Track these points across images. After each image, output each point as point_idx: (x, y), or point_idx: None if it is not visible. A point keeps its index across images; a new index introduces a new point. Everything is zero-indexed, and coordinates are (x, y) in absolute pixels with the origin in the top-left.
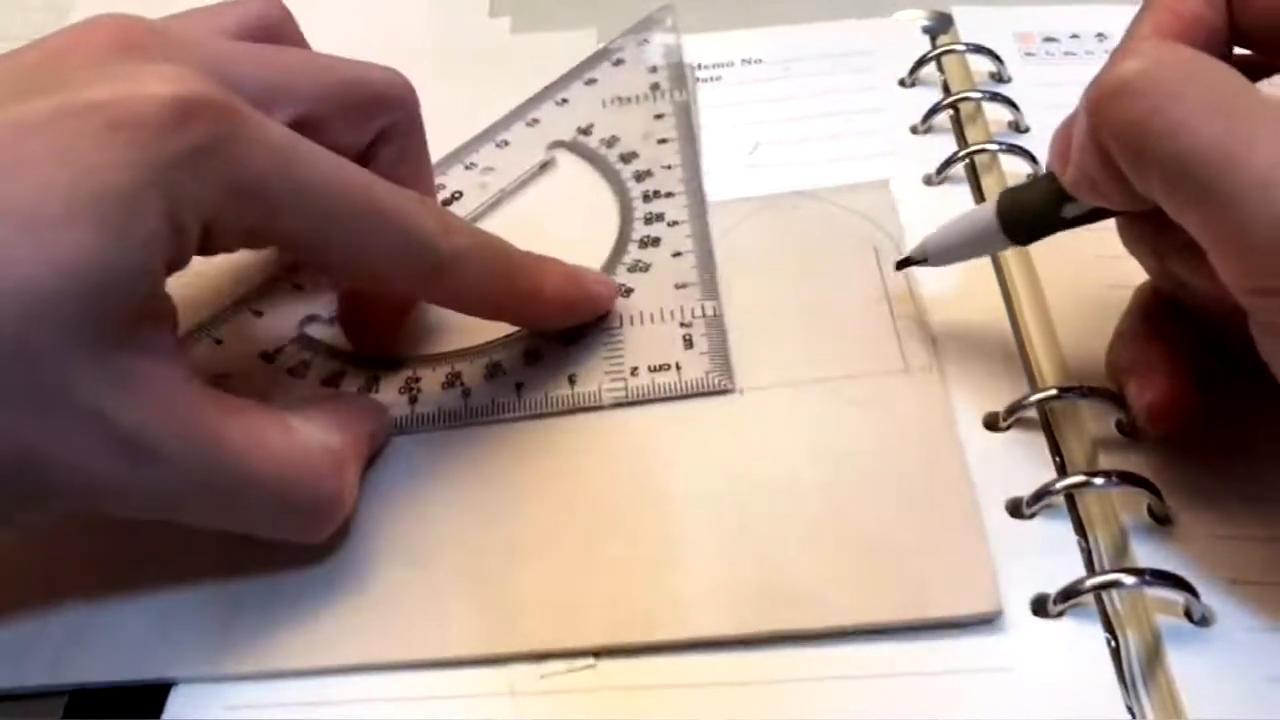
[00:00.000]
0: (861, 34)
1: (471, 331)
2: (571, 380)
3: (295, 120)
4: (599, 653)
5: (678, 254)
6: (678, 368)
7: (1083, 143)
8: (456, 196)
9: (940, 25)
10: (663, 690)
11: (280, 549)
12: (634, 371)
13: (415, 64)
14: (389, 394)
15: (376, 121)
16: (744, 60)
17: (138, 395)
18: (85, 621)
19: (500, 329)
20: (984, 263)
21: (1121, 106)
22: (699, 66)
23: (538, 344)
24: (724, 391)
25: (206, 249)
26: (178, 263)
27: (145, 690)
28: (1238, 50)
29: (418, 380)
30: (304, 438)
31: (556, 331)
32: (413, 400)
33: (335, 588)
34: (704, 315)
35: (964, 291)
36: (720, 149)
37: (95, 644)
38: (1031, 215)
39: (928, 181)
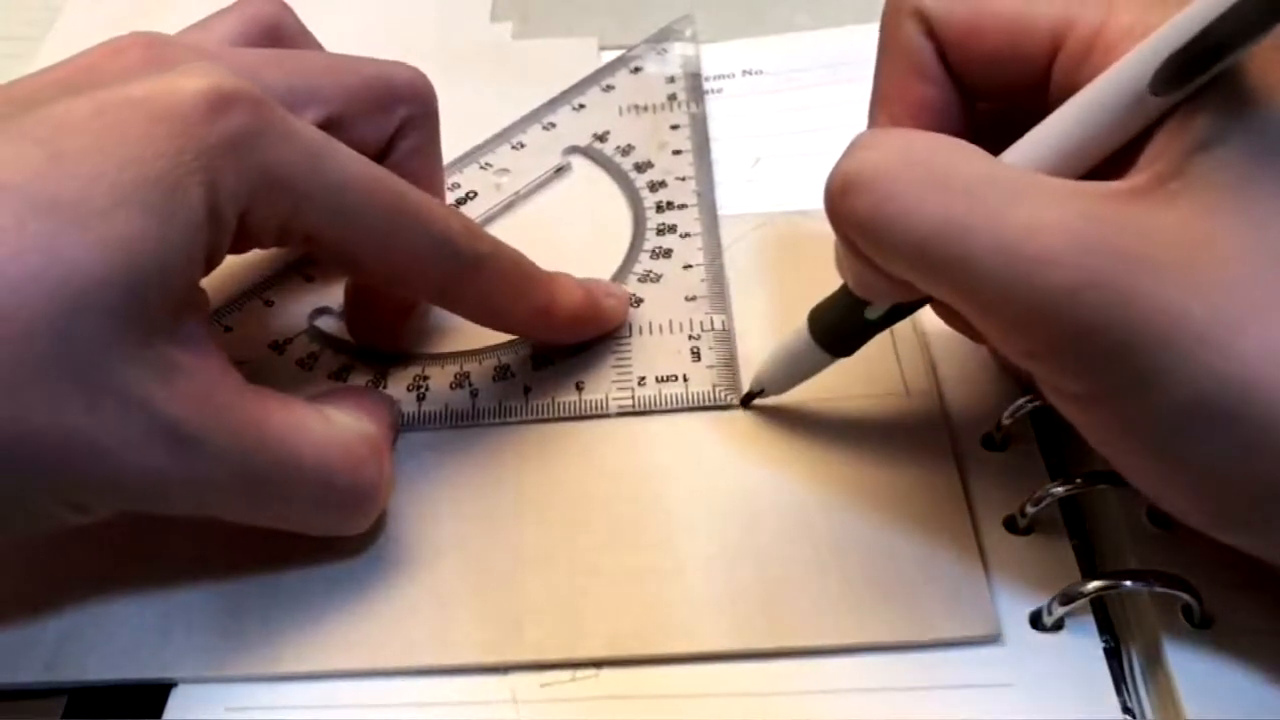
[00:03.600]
0: (862, 40)
1: (481, 333)
2: (579, 387)
3: (321, 122)
4: (601, 663)
5: (688, 266)
6: (685, 380)
7: (838, 243)
8: (471, 196)
9: None
10: (665, 700)
11: (282, 550)
12: (641, 381)
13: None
14: (397, 390)
15: (397, 115)
16: (745, 71)
17: (181, 386)
18: (85, 619)
19: (501, 335)
20: None
21: (851, 203)
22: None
23: (547, 349)
24: (730, 406)
25: (240, 245)
26: (215, 256)
27: (145, 690)
28: None
29: (426, 379)
30: (342, 426)
31: (565, 345)
32: (420, 398)
33: (339, 590)
34: (713, 329)
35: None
36: (722, 163)
37: (95, 642)
38: (839, 327)
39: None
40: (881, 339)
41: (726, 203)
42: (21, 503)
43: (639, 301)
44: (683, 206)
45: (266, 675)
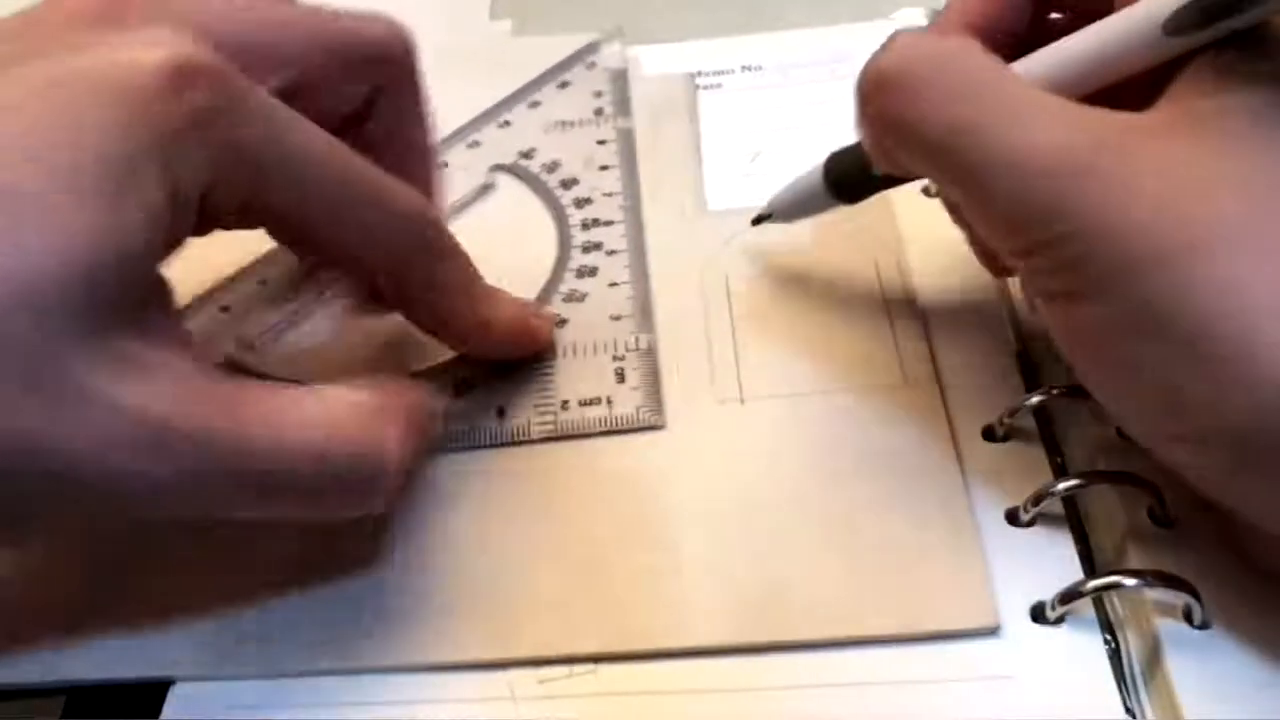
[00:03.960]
0: (861, 38)
1: (401, 359)
2: (500, 413)
3: (289, 83)
4: (599, 659)
5: (614, 284)
6: (609, 402)
7: (860, 126)
8: None
9: None
10: (663, 696)
11: (281, 549)
12: (565, 405)
13: None
14: None
15: (370, 79)
16: (744, 67)
17: (152, 381)
18: (83, 618)
19: (431, 357)
20: (986, 276)
21: (880, 99)
22: (699, 74)
23: (469, 374)
24: (654, 428)
25: (201, 227)
26: (176, 239)
27: (144, 689)
28: None
29: None
30: (326, 398)
31: (488, 361)
32: None
33: (337, 589)
34: (637, 349)
35: (965, 304)
36: (721, 157)
37: (94, 641)
38: (849, 176)
39: (926, 192)
40: (880, 328)
41: (727, 197)
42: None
43: (564, 322)
44: (609, 223)
45: (265, 674)
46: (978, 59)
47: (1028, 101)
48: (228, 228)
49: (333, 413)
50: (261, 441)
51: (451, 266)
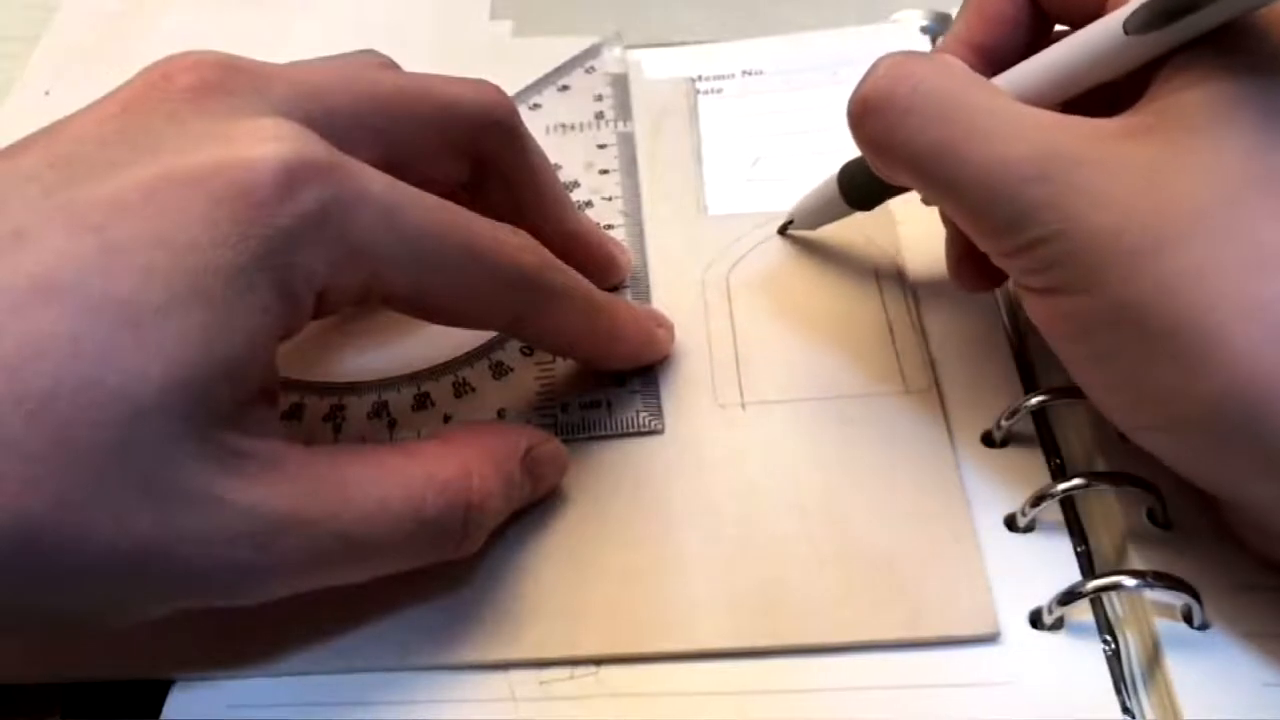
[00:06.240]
0: (861, 40)
1: (401, 360)
2: (501, 415)
3: (389, 158)
4: (600, 661)
5: (615, 288)
6: (608, 406)
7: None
8: None
9: (941, 25)
10: (663, 698)
11: None
12: (565, 407)
13: (414, 66)
14: (313, 422)
15: (475, 144)
16: (745, 72)
17: (259, 474)
18: None
19: (428, 358)
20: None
21: (867, 124)
22: (699, 78)
23: (468, 375)
24: (654, 432)
25: (317, 314)
26: (290, 334)
27: (144, 688)
28: None
29: (343, 409)
30: (416, 454)
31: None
32: (337, 429)
33: (337, 590)
34: None
35: (964, 312)
36: (722, 162)
37: (93, 640)
38: (859, 184)
39: (926, 201)
40: (880, 336)
41: (728, 203)
42: (108, 610)
43: None
44: (609, 227)
45: (266, 673)
46: (955, 79)
47: (1001, 115)
48: (339, 311)
49: (426, 468)
50: (367, 514)
51: (566, 302)
